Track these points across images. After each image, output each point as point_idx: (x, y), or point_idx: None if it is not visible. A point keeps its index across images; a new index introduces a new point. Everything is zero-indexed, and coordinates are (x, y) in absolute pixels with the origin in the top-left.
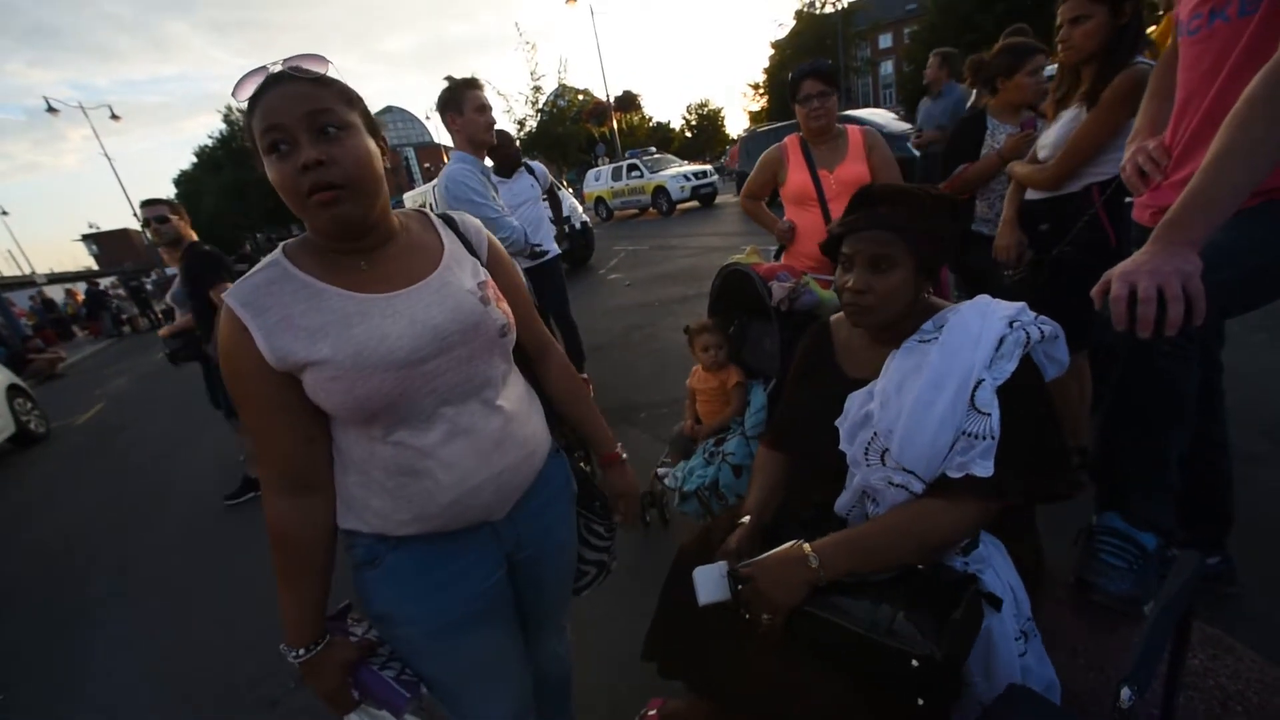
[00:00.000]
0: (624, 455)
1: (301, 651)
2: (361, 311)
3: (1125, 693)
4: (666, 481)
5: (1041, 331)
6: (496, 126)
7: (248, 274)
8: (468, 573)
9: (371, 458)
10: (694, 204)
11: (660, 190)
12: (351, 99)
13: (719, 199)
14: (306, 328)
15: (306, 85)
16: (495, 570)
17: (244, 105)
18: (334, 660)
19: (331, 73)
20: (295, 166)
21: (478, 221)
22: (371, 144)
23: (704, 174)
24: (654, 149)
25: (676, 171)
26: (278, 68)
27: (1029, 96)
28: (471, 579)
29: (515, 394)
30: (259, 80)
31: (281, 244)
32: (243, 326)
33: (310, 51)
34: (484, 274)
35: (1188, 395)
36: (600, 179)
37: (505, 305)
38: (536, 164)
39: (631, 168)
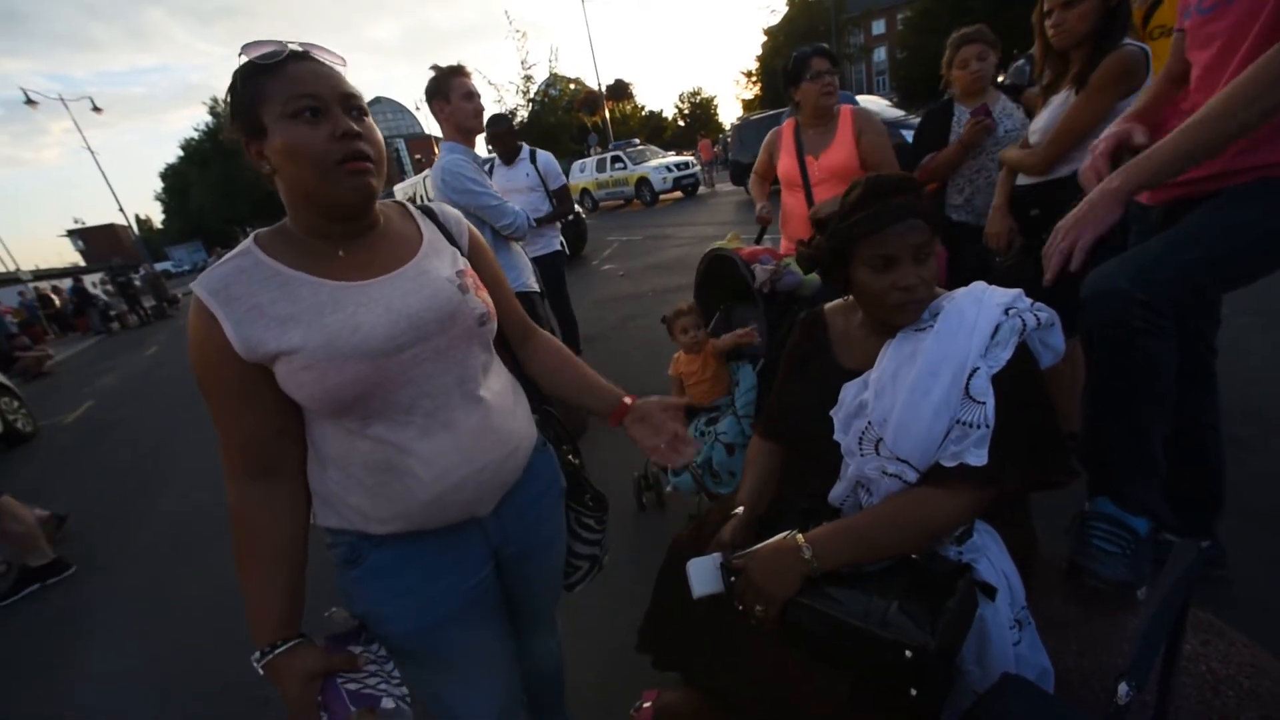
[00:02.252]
0: (630, 401)
1: (259, 654)
2: (334, 300)
3: (1123, 688)
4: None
5: (1038, 319)
6: (496, 112)
7: (218, 262)
8: (452, 570)
9: (350, 454)
10: (677, 194)
11: (643, 181)
12: (361, 94)
13: (700, 189)
14: (277, 316)
15: (335, 70)
16: (481, 568)
17: (239, 71)
18: (296, 669)
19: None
20: (329, 133)
21: (458, 213)
22: None
23: (685, 165)
24: (637, 140)
25: (659, 163)
26: (298, 47)
27: (964, 85)
28: (456, 576)
29: (497, 386)
30: (271, 49)
31: (254, 233)
32: (211, 316)
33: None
34: (463, 263)
35: (1166, 372)
36: (585, 170)
37: (485, 294)
38: (545, 155)
39: (615, 159)
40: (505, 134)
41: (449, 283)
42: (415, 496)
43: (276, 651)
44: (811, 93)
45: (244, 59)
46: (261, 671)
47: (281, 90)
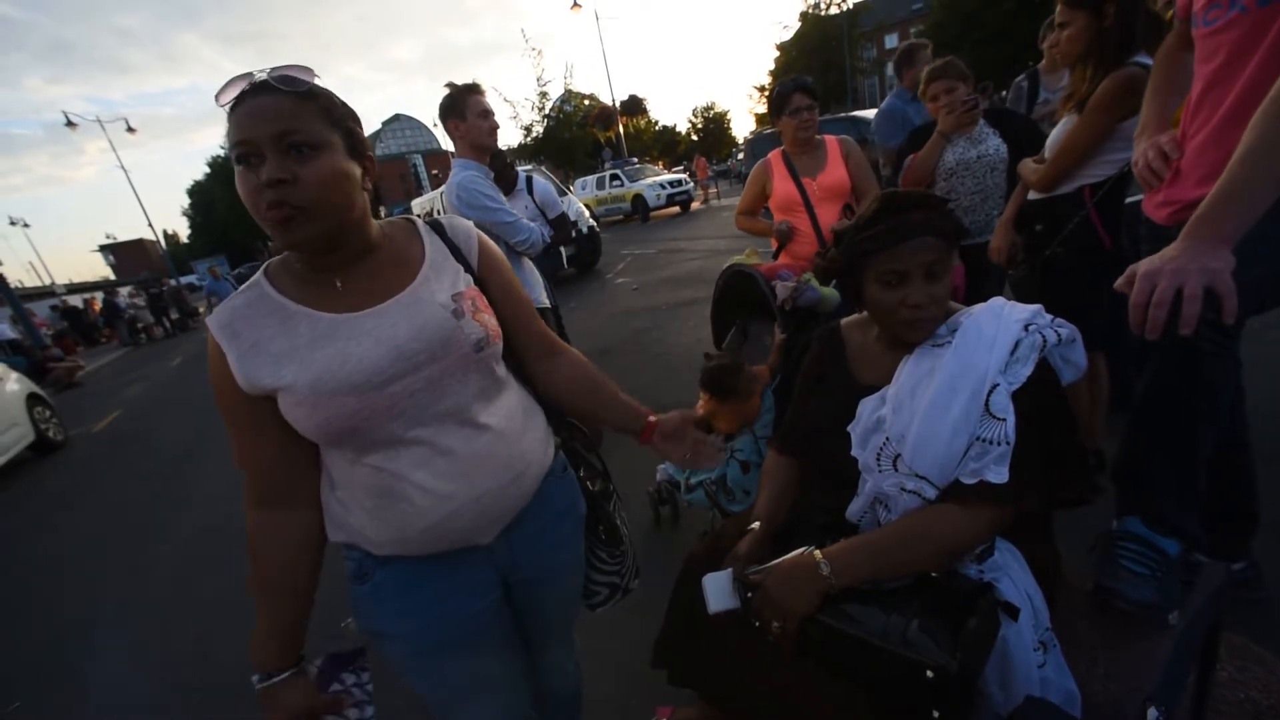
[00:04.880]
0: (655, 418)
1: (256, 678)
2: (328, 334)
3: (1152, 713)
4: (671, 472)
5: (1058, 334)
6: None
7: (233, 295)
8: (457, 593)
9: (351, 478)
10: (674, 210)
11: (639, 198)
12: (335, 117)
13: (694, 205)
14: (274, 353)
15: (286, 100)
16: (489, 593)
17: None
18: (284, 702)
19: (333, 84)
20: (259, 181)
21: (468, 225)
22: (345, 165)
23: (679, 182)
24: (635, 160)
25: (653, 180)
26: (263, 75)
27: (935, 115)
28: (461, 600)
29: (504, 410)
30: (233, 89)
31: (265, 263)
32: (220, 350)
33: (306, 63)
34: (464, 283)
35: (1224, 394)
36: (586, 188)
37: (486, 316)
38: (542, 184)
39: (613, 177)
40: (504, 167)
41: (442, 309)
42: (412, 523)
43: (273, 680)
44: (789, 127)
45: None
46: (257, 694)
47: (231, 134)
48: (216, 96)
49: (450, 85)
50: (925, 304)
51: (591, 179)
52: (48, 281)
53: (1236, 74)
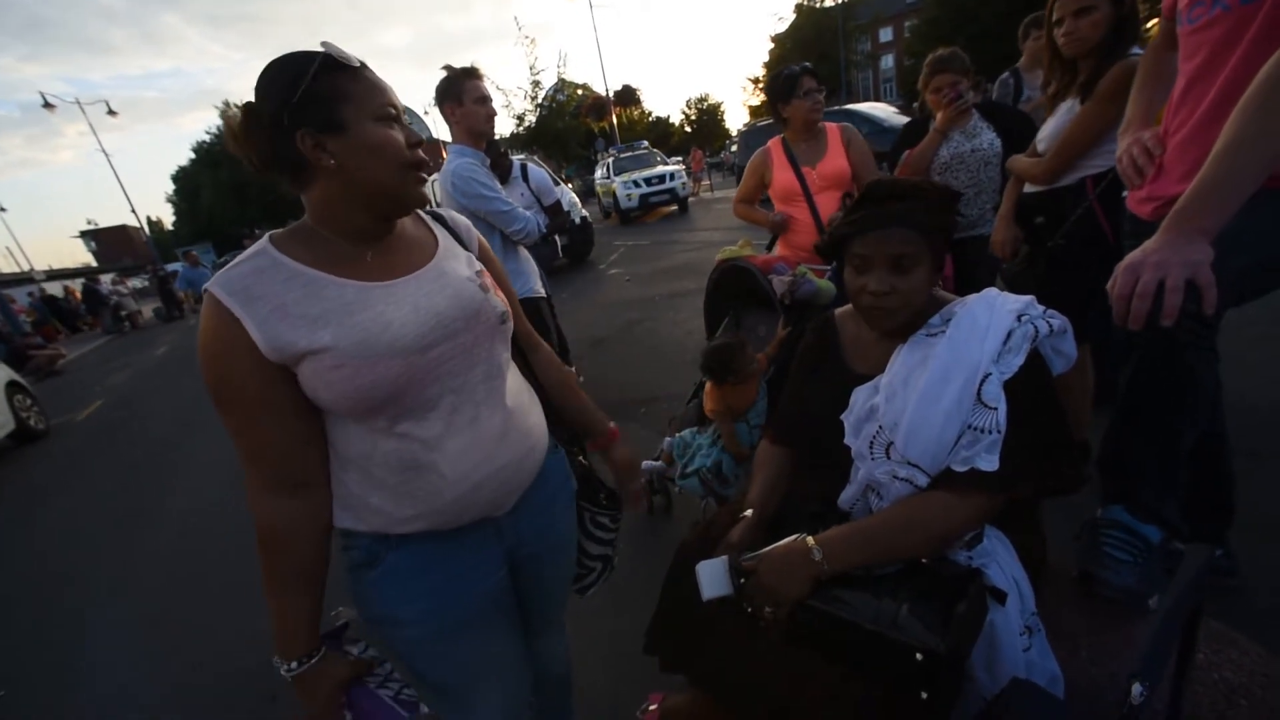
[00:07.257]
0: (616, 429)
1: (294, 665)
2: (362, 299)
3: (1136, 688)
4: (671, 447)
5: (1050, 325)
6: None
7: (232, 264)
8: (468, 573)
9: (372, 454)
10: (672, 208)
11: (613, 195)
12: None
13: (690, 200)
14: (305, 316)
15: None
16: (496, 570)
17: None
18: (328, 677)
19: None
20: (407, 140)
21: (467, 220)
22: None
23: (660, 179)
24: (645, 143)
25: (627, 178)
26: (358, 65)
27: (937, 109)
28: (472, 579)
29: (515, 387)
30: (343, 53)
31: (268, 234)
32: (233, 317)
33: (297, 47)
34: (479, 265)
35: (1206, 384)
36: (599, 174)
37: (502, 295)
38: (537, 172)
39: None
40: (499, 157)
41: (470, 282)
42: (440, 495)
43: (311, 662)
44: (802, 109)
45: (323, 52)
46: (291, 681)
47: (367, 94)
48: (326, 45)
49: (448, 68)
50: (885, 293)
51: (605, 165)
52: (26, 268)
53: (1217, 71)
